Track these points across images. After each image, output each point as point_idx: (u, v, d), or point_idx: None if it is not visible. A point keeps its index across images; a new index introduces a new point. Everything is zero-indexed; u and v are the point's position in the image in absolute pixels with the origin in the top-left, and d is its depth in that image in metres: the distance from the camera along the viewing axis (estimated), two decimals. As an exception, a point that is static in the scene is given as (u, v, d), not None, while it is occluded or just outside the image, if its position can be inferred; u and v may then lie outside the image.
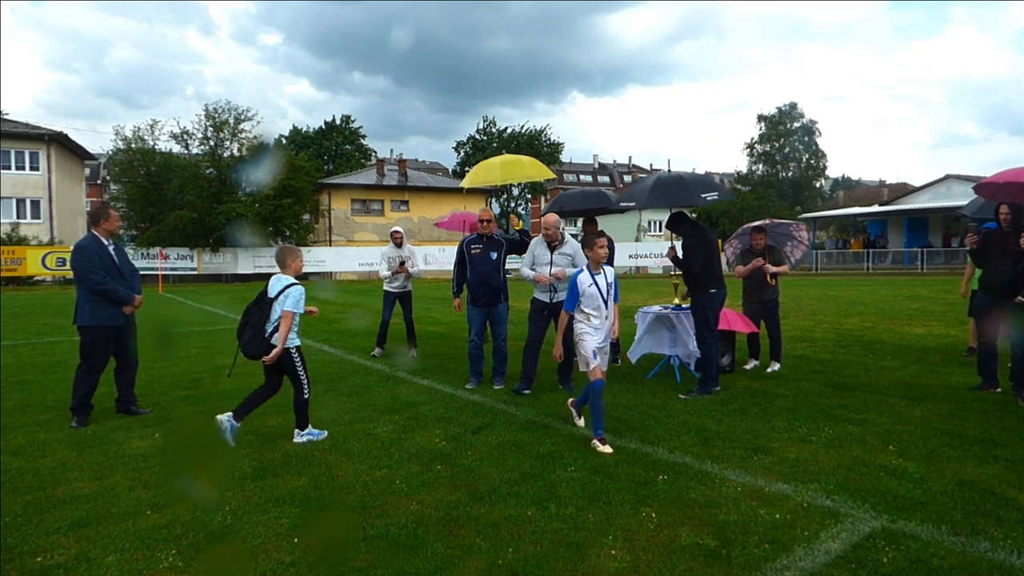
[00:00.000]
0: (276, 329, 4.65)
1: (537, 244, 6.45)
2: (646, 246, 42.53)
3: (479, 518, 3.43)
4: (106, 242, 5.58)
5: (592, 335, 4.80)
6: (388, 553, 3.06)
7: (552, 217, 6.38)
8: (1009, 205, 6.00)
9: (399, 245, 8.91)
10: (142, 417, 5.67)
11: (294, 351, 4.80)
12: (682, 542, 3.13)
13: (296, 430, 4.89)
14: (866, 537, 3.15)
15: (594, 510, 3.52)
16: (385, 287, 9.03)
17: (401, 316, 8.92)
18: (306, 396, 4.86)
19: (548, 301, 6.33)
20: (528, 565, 2.94)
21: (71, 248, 5.84)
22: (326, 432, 4.96)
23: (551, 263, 6.30)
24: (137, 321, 5.82)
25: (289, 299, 4.67)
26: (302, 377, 4.85)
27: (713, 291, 6.19)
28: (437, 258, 34.83)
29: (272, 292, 4.74)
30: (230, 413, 4.78)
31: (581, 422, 5.16)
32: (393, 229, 9.14)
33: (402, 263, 8.79)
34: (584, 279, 4.84)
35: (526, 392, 6.25)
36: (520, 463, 4.29)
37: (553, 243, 6.35)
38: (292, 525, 3.40)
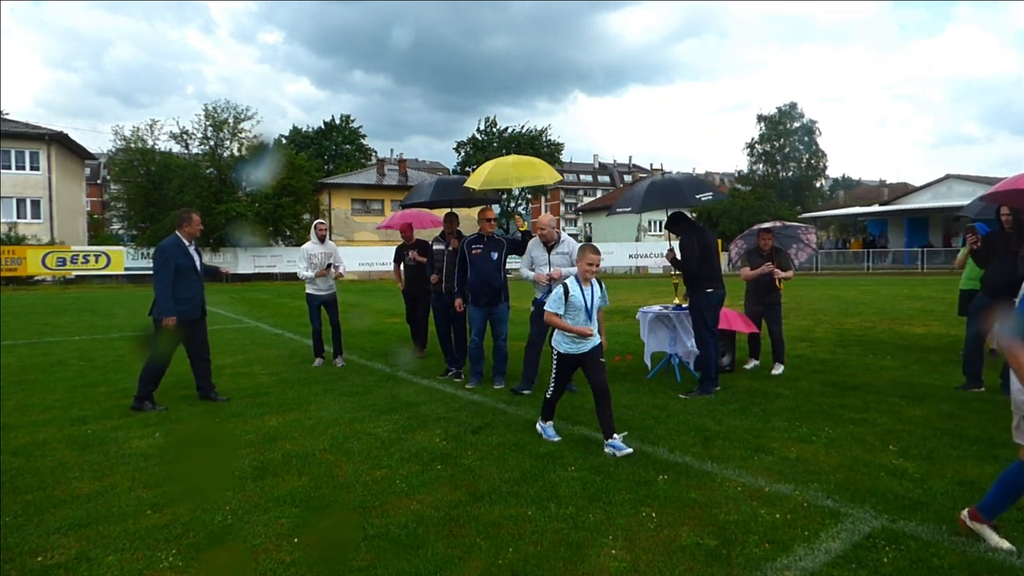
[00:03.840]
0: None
1: (534, 245, 6.44)
2: (646, 246, 42.53)
3: (479, 518, 3.43)
4: (187, 243, 6.02)
5: None
6: (388, 553, 3.06)
7: (546, 217, 6.36)
8: (1010, 207, 6.00)
9: (323, 240, 8.07)
10: (142, 417, 5.67)
11: (554, 351, 4.77)
12: (682, 542, 3.13)
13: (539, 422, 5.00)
14: (866, 537, 3.15)
15: (594, 510, 3.52)
16: (308, 290, 8.09)
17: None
18: (549, 396, 4.84)
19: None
20: (528, 565, 2.94)
21: (156, 247, 6.33)
22: (557, 438, 4.79)
23: (549, 263, 6.30)
24: (147, 321, 5.93)
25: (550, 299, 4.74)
26: (554, 375, 4.79)
27: (710, 291, 6.19)
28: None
29: None
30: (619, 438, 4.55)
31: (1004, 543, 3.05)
32: (317, 221, 8.30)
33: (329, 266, 7.97)
34: None
35: (526, 392, 6.24)
36: (520, 463, 4.29)
37: (549, 243, 6.35)
38: (292, 525, 3.40)
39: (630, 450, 4.38)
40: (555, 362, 4.77)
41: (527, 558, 2.99)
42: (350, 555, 3.05)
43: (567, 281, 4.66)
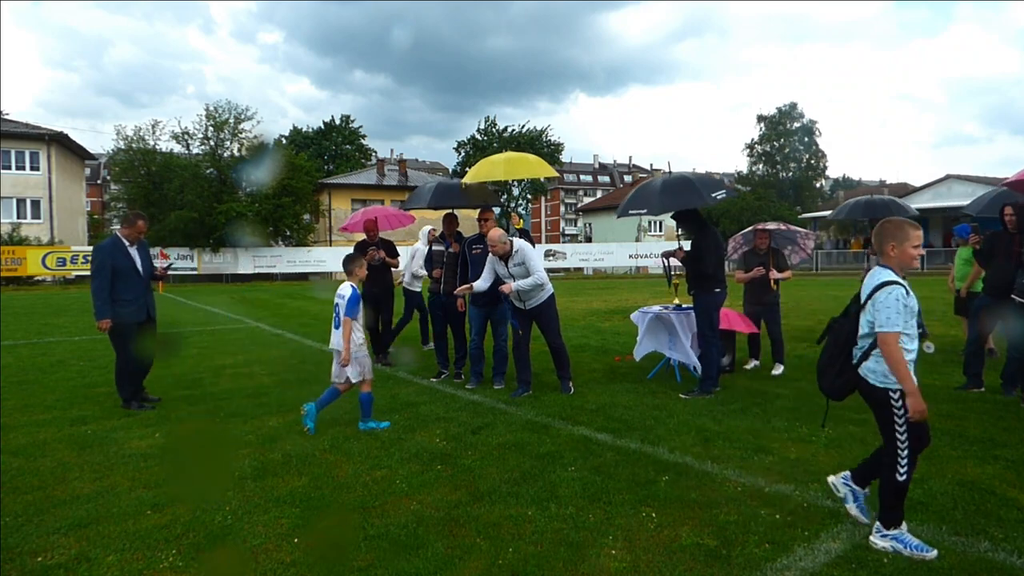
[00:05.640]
0: (866, 355, 3.04)
1: (495, 261, 6.24)
2: (646, 246, 42.48)
3: (479, 518, 3.43)
4: (128, 244, 5.88)
5: None
6: (388, 553, 3.06)
7: (495, 233, 6.17)
8: (1014, 206, 6.01)
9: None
10: (142, 417, 5.67)
11: (895, 392, 2.96)
12: (682, 542, 3.13)
13: (877, 526, 3.07)
14: (866, 537, 3.14)
15: (594, 510, 3.52)
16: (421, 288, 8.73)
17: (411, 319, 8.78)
18: (900, 478, 2.95)
19: (522, 307, 6.26)
20: (528, 565, 2.94)
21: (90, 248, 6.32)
22: (934, 552, 2.93)
23: (510, 275, 6.17)
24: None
25: (879, 309, 2.94)
26: (899, 435, 2.96)
27: (718, 291, 6.18)
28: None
29: (864, 292, 3.06)
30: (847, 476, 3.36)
31: None
32: (430, 227, 8.53)
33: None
34: None
35: (525, 395, 6.23)
36: (520, 463, 4.29)
37: (505, 257, 6.17)
38: (292, 525, 3.40)
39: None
40: (901, 412, 2.95)
41: (527, 558, 2.99)
42: (350, 555, 3.05)
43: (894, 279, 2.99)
